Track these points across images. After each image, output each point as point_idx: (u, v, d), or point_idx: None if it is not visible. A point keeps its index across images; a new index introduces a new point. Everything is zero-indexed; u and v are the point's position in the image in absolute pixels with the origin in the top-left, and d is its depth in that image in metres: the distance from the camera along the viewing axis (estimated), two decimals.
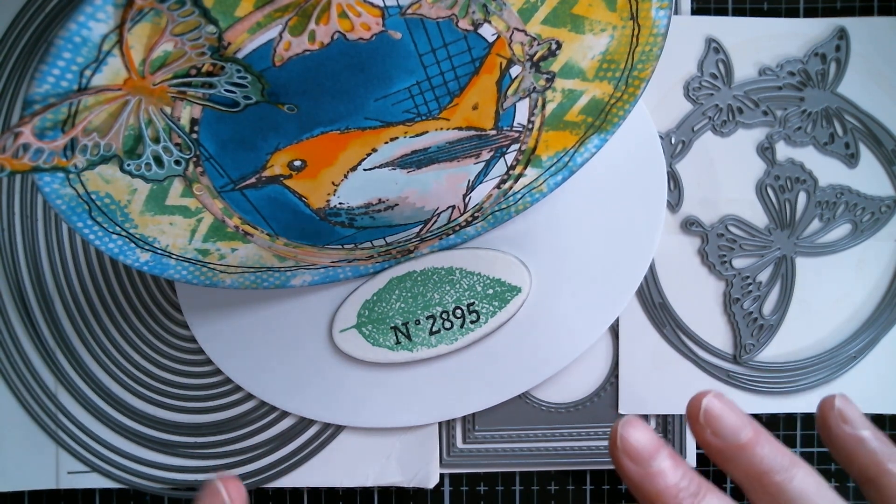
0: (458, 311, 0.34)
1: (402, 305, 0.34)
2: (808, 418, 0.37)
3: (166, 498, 0.37)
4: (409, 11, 0.24)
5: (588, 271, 0.33)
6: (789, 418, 0.37)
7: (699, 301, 0.36)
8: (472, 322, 0.34)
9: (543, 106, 0.29)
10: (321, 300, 0.34)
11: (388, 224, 0.32)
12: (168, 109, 0.24)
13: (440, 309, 0.34)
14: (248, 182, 0.28)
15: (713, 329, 0.36)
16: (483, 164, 0.30)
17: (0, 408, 0.36)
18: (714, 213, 0.35)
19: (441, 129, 0.28)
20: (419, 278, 0.33)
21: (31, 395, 0.36)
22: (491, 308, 0.34)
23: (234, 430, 0.37)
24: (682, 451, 0.36)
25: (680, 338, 0.36)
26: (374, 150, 0.28)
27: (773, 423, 0.37)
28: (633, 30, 0.27)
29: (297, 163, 0.28)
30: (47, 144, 0.24)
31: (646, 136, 0.33)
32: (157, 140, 0.25)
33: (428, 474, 0.36)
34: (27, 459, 0.36)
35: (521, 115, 0.29)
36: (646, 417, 0.36)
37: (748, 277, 0.36)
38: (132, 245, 0.28)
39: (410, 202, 0.31)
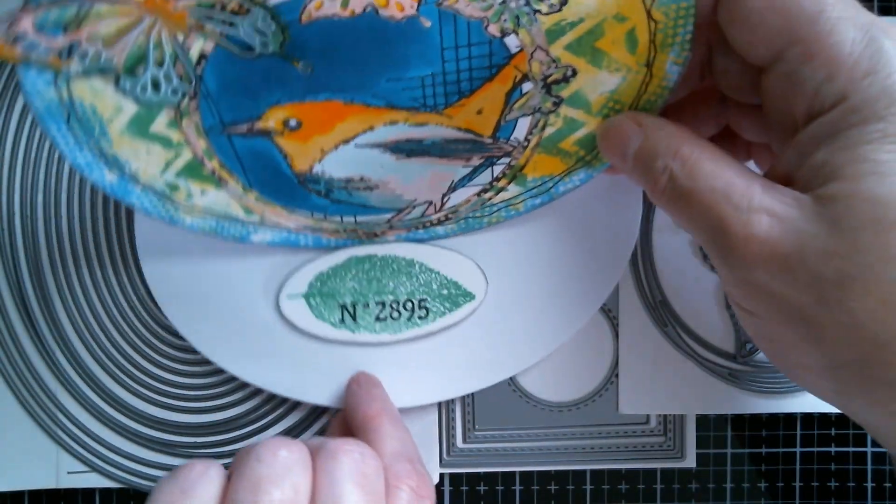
0: (409, 304, 0.34)
1: (355, 286, 0.33)
2: (807, 418, 0.36)
3: None
4: (446, 3, 0.24)
5: (549, 291, 0.34)
6: (789, 418, 0.36)
7: (700, 300, 0.35)
8: (419, 318, 0.34)
9: (543, 128, 0.29)
10: (276, 264, 0.33)
11: (362, 204, 0.31)
12: (181, 37, 0.24)
13: (392, 298, 0.34)
14: (238, 129, 0.27)
15: (714, 328, 0.36)
16: (471, 169, 0.31)
17: (0, 408, 0.36)
18: None
19: (441, 125, 0.28)
20: (378, 263, 0.33)
21: (31, 395, 0.36)
22: (441, 308, 0.34)
23: (234, 430, 0.36)
24: (682, 452, 0.36)
25: (681, 336, 0.35)
26: (371, 129, 0.28)
27: (773, 422, 0.36)
28: (645, 77, 0.28)
29: (293, 122, 0.27)
30: (45, 40, 0.23)
31: None
32: (160, 65, 0.24)
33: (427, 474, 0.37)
34: (27, 459, 0.36)
35: (520, 131, 0.29)
36: (646, 417, 0.36)
37: None
38: (101, 163, 0.27)
39: (391, 188, 0.31)
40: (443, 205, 0.32)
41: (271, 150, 0.28)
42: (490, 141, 0.29)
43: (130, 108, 0.26)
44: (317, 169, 0.29)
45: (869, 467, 0.36)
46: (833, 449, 0.36)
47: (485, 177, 0.31)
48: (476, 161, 0.30)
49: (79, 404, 0.37)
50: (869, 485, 0.36)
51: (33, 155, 0.35)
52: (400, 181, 0.31)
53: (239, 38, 0.24)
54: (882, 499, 0.36)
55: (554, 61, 0.27)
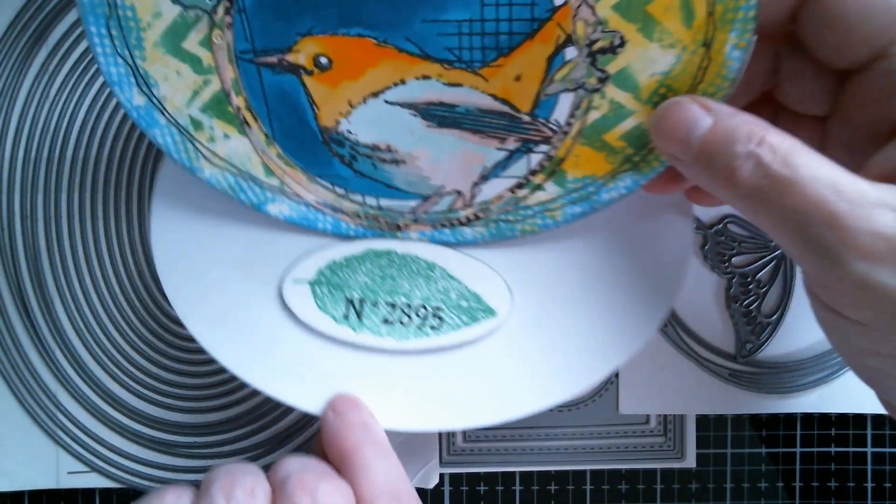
0: (422, 311, 0.30)
1: (368, 281, 0.30)
2: (807, 418, 0.37)
3: None
4: None
5: (583, 319, 0.30)
6: (789, 418, 0.37)
7: (700, 300, 0.36)
8: (431, 327, 0.30)
9: (587, 110, 0.27)
10: (288, 247, 0.31)
11: (387, 182, 0.29)
12: None
13: (404, 300, 0.30)
14: (268, 59, 0.27)
15: (714, 328, 0.36)
16: (506, 153, 0.28)
17: (0, 408, 0.36)
18: (714, 212, 0.35)
19: (476, 87, 0.27)
20: (397, 260, 0.31)
21: (31, 395, 0.36)
22: (457, 321, 0.30)
23: (234, 430, 0.36)
24: (682, 452, 0.36)
25: (681, 336, 0.36)
26: (403, 82, 0.27)
27: (773, 422, 0.37)
28: (703, 61, 0.25)
29: (324, 59, 0.27)
30: None
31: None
32: None
33: (428, 474, 0.36)
34: (27, 459, 0.36)
35: (561, 112, 0.27)
36: (646, 417, 0.36)
37: (748, 276, 0.35)
38: (132, 80, 0.27)
39: (418, 165, 0.29)
40: (473, 197, 0.29)
41: (298, 93, 0.27)
42: (528, 119, 0.27)
43: (167, 15, 0.26)
44: (343, 125, 0.28)
45: (869, 467, 0.37)
46: (833, 449, 0.37)
47: (520, 168, 0.29)
48: (512, 144, 0.28)
49: (79, 404, 0.36)
50: (869, 485, 0.37)
51: (33, 155, 0.36)
52: (429, 158, 0.29)
53: None
54: (882, 499, 0.37)
55: (600, 23, 0.25)
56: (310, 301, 0.30)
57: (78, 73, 0.36)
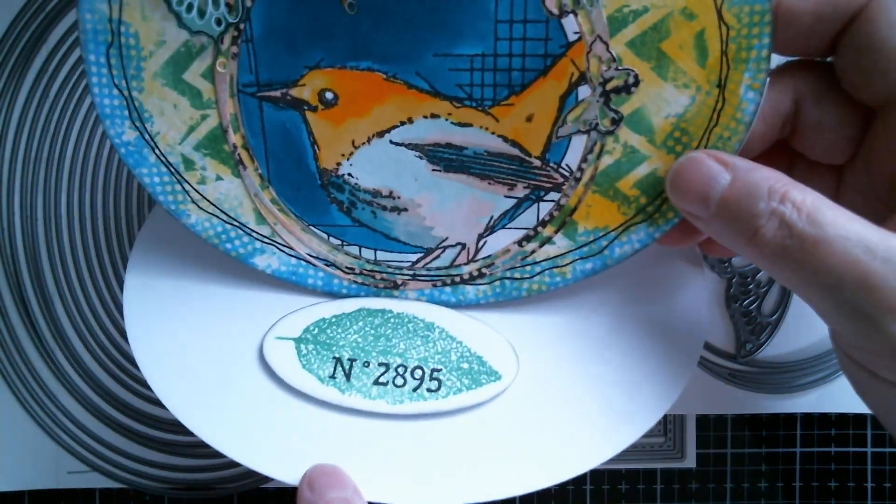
0: (418, 372, 0.27)
1: (359, 340, 0.28)
2: (807, 418, 0.37)
3: (166, 498, 0.36)
4: None
5: (596, 388, 0.27)
6: (789, 418, 0.37)
7: None
8: (428, 390, 0.27)
9: (600, 155, 0.26)
10: (273, 303, 0.28)
11: (386, 233, 0.28)
12: None
13: (399, 360, 0.27)
14: (272, 93, 0.26)
15: (714, 328, 0.36)
16: (514, 202, 0.27)
17: (0, 408, 0.36)
18: None
19: (486, 128, 0.26)
20: (392, 320, 0.28)
21: (31, 395, 0.36)
22: (457, 384, 0.27)
23: None
24: (682, 453, 0.36)
25: None
26: (410, 121, 0.26)
27: (773, 422, 0.37)
28: (717, 102, 0.25)
29: (329, 95, 0.26)
30: None
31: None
32: None
33: None
34: (27, 459, 0.36)
35: (573, 156, 0.26)
36: None
37: (748, 276, 0.36)
38: (126, 112, 0.26)
39: (421, 214, 0.27)
40: (477, 251, 0.28)
41: (300, 131, 0.26)
42: (538, 164, 0.26)
43: (171, 44, 0.25)
44: (344, 168, 0.27)
45: (869, 467, 0.37)
46: (833, 449, 0.37)
47: (528, 218, 0.27)
48: (521, 191, 0.27)
49: (79, 404, 0.36)
50: (869, 485, 0.37)
51: (33, 155, 0.36)
52: (432, 206, 0.27)
53: None
54: (882, 499, 0.37)
55: (614, 60, 0.25)
56: (293, 359, 0.27)
57: (78, 73, 0.35)
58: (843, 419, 0.37)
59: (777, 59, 0.28)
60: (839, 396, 0.36)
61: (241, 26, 0.25)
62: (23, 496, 0.36)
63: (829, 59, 0.26)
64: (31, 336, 0.36)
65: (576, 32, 0.25)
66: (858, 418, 0.37)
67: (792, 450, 0.37)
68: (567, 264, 0.28)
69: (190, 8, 0.24)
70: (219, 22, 0.25)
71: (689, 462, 0.36)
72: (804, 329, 0.36)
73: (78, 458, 0.36)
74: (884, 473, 0.37)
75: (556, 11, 0.24)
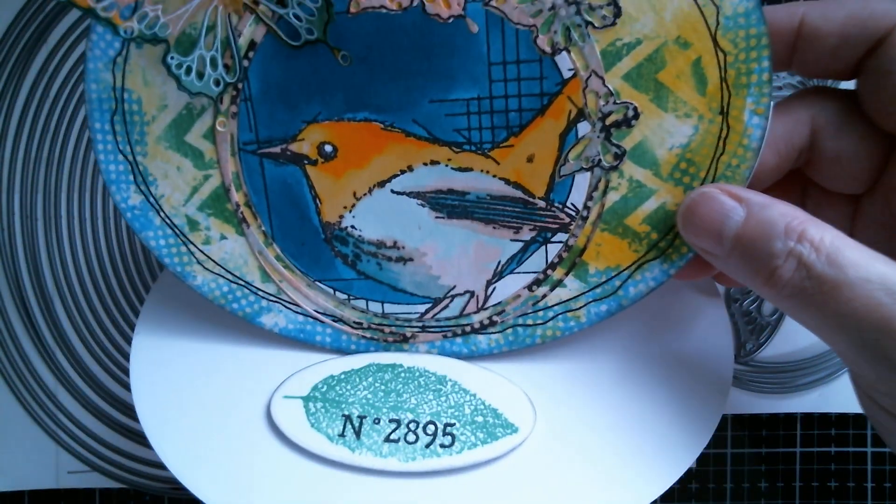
0: (431, 428, 0.26)
1: (369, 396, 0.27)
2: (807, 418, 0.37)
3: (166, 498, 0.37)
4: (494, 3, 0.24)
5: (619, 438, 0.25)
6: (789, 418, 0.36)
7: None
8: (441, 446, 0.26)
9: (605, 191, 0.25)
10: (281, 361, 0.28)
11: (392, 284, 0.27)
12: (235, 19, 0.25)
13: (410, 416, 0.26)
14: (272, 149, 0.26)
15: None
16: (521, 245, 0.26)
17: (0, 408, 0.36)
18: None
19: (487, 171, 0.26)
20: (403, 374, 0.27)
21: (31, 395, 0.36)
22: (472, 438, 0.26)
23: None
24: None
25: None
26: (410, 169, 0.26)
27: (773, 422, 0.37)
28: (722, 130, 0.24)
29: (329, 147, 0.26)
30: None
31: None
32: (210, 49, 0.25)
33: None
34: (27, 459, 0.36)
35: (578, 195, 0.26)
36: None
37: None
38: (131, 177, 0.26)
39: (427, 263, 0.27)
40: (487, 298, 0.27)
41: (301, 185, 0.26)
42: (543, 205, 0.26)
43: (172, 108, 0.25)
44: (347, 220, 0.26)
45: (869, 467, 0.37)
46: (833, 449, 0.37)
47: (538, 261, 0.26)
48: (527, 234, 0.26)
49: (79, 404, 0.36)
50: (869, 485, 0.37)
51: (33, 155, 0.36)
52: (438, 255, 0.26)
53: (286, 25, 0.24)
54: (882, 499, 0.37)
55: (611, 94, 0.24)
56: (301, 418, 0.26)
57: (78, 73, 0.36)
58: (843, 419, 0.36)
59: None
60: (839, 396, 0.36)
61: (240, 86, 0.25)
62: (23, 496, 0.37)
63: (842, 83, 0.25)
64: (31, 336, 0.36)
65: (570, 69, 0.24)
66: (858, 418, 0.37)
67: (792, 450, 0.37)
68: (581, 307, 0.27)
69: (189, 70, 0.25)
70: (217, 83, 0.25)
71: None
72: (804, 329, 0.34)
73: (78, 458, 0.36)
74: (884, 473, 0.37)
75: (548, 49, 0.24)
